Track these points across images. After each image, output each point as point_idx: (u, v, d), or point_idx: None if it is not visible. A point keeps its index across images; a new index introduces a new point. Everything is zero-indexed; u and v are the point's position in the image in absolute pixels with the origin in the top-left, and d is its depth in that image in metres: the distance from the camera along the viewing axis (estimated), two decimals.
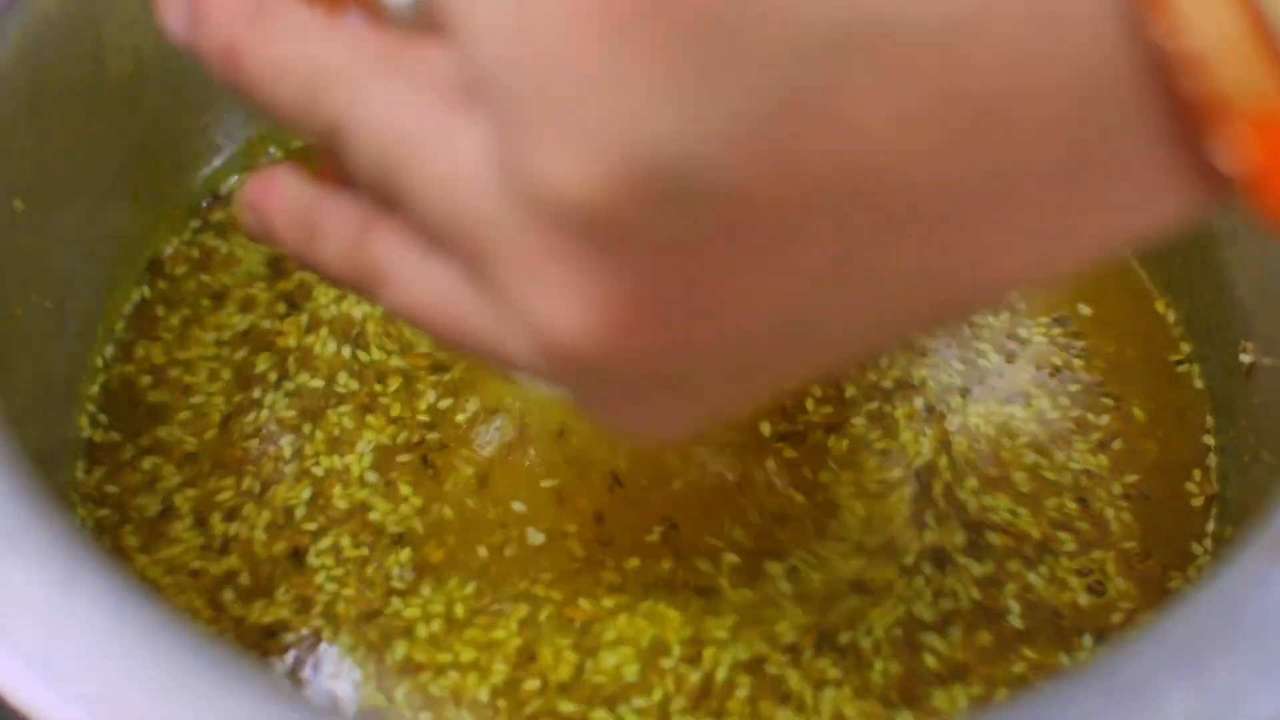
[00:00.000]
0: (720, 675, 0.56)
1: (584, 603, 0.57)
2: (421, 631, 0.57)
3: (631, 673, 0.56)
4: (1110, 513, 0.61)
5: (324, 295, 0.65)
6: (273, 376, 0.63)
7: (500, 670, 0.56)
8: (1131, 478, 0.62)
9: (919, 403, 0.63)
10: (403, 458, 0.60)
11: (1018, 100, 0.28)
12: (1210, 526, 0.61)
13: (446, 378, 0.62)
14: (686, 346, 0.32)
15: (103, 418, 0.63)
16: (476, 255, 0.32)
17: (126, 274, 0.67)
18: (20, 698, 0.42)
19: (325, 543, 0.59)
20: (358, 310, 0.64)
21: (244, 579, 0.58)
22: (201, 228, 0.69)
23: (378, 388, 0.62)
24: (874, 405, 0.63)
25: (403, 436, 0.61)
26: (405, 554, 0.58)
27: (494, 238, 0.31)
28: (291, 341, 0.64)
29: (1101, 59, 0.28)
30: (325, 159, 0.38)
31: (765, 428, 0.61)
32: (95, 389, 0.64)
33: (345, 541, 0.59)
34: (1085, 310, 0.67)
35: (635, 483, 0.60)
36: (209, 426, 0.62)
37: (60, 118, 0.61)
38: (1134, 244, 0.33)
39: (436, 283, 0.35)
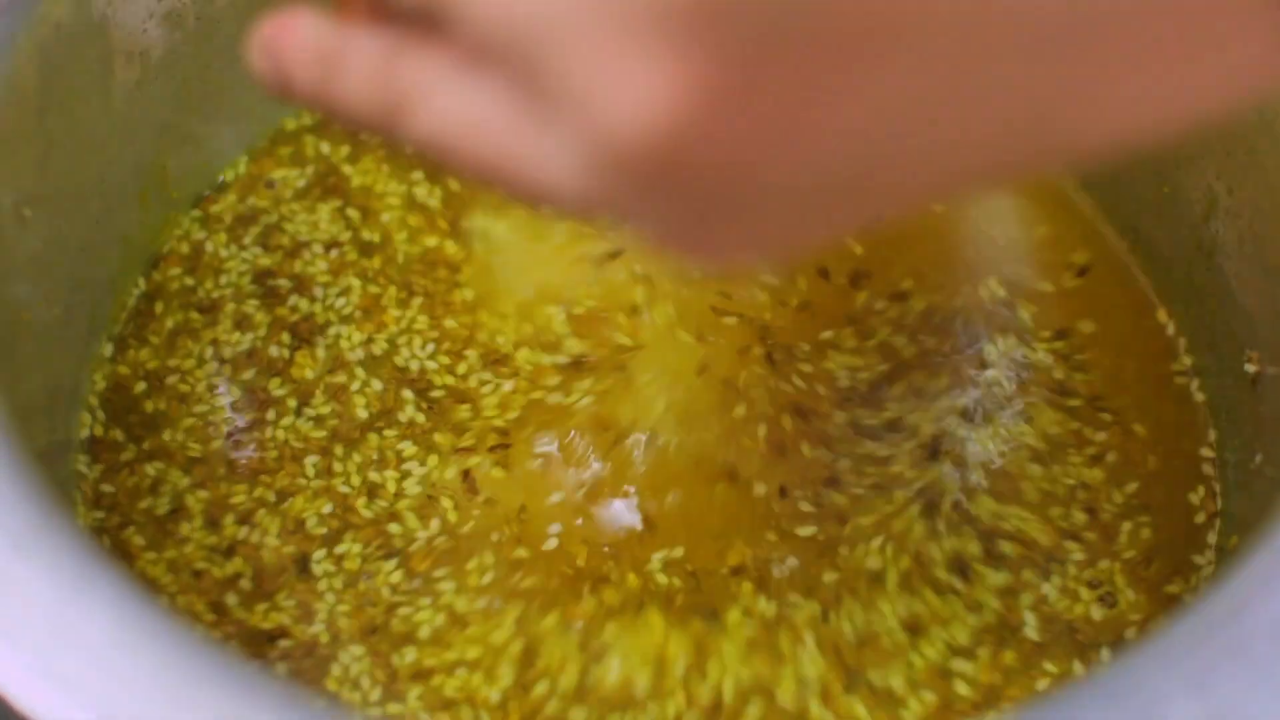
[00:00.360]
0: (728, 695, 0.56)
1: (586, 604, 0.58)
2: (425, 632, 0.57)
3: (642, 685, 0.56)
4: (1113, 522, 0.61)
5: (347, 340, 0.64)
6: (291, 403, 0.63)
7: (506, 674, 0.56)
8: (1132, 486, 0.62)
9: (924, 423, 0.63)
10: (449, 473, 0.61)
11: None
12: (1212, 538, 0.61)
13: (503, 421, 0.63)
14: (766, 157, 0.29)
15: (102, 415, 0.63)
16: (534, 57, 0.30)
17: (130, 274, 0.67)
18: (26, 702, 0.42)
19: (338, 549, 0.59)
20: (403, 355, 0.65)
21: (246, 583, 0.59)
22: (198, 218, 0.69)
23: (419, 419, 0.63)
24: (879, 420, 0.63)
25: (453, 460, 0.61)
26: (412, 563, 0.59)
27: (561, 28, 0.29)
28: (309, 374, 0.64)
29: None
30: None
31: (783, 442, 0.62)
32: (98, 388, 0.64)
33: (355, 549, 0.59)
34: (1086, 326, 0.67)
35: (659, 515, 0.60)
36: (215, 437, 0.62)
37: (69, 123, 0.61)
38: (1238, 103, 0.31)
39: (473, 103, 0.32)
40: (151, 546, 0.60)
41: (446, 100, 0.33)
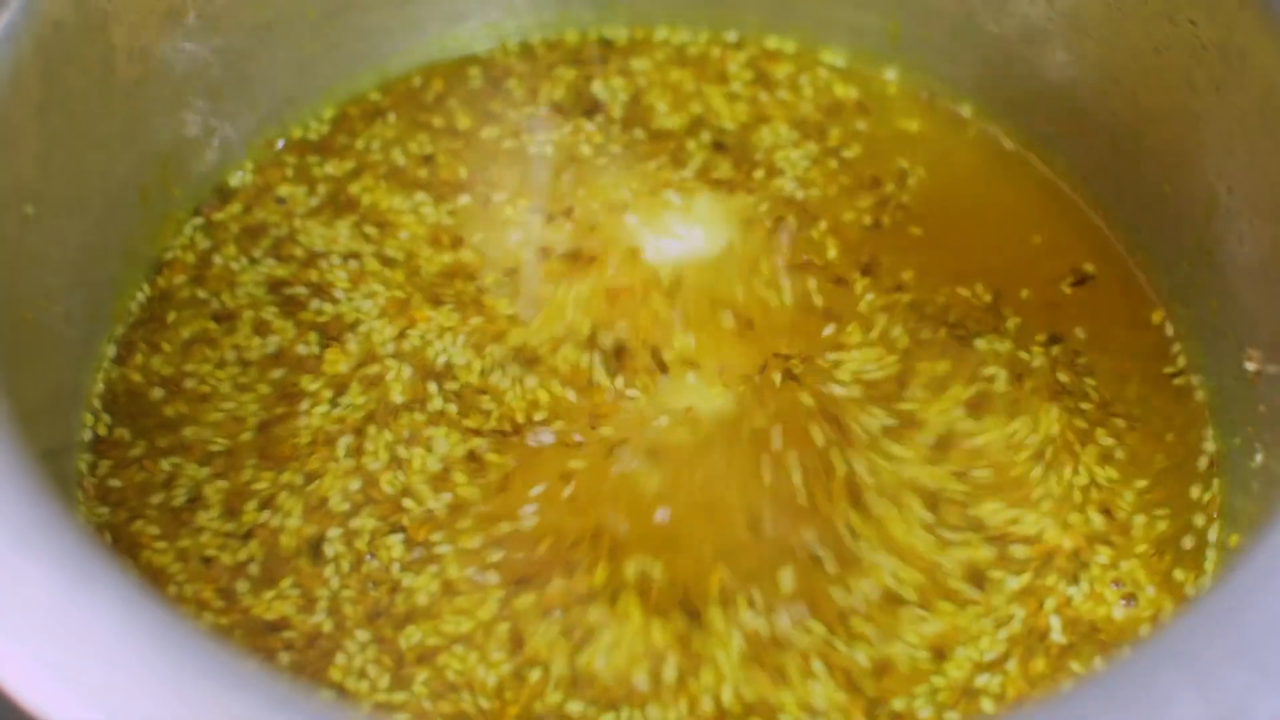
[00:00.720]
0: (727, 701, 0.57)
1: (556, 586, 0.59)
2: (422, 599, 0.58)
3: (640, 682, 0.57)
4: (1126, 519, 0.62)
5: (379, 335, 0.66)
6: (326, 394, 0.64)
7: (500, 659, 0.57)
8: (1141, 483, 0.63)
9: (923, 434, 0.64)
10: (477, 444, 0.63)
11: None
12: (1213, 535, 0.62)
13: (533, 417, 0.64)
14: None
15: (106, 416, 0.63)
16: None
17: (134, 275, 0.67)
18: (30, 697, 0.42)
19: (353, 523, 0.60)
20: (433, 348, 0.66)
21: (255, 568, 0.59)
22: (201, 226, 0.70)
23: (450, 408, 0.64)
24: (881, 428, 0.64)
25: (475, 442, 0.63)
26: (413, 533, 0.60)
27: None
28: (342, 368, 0.65)
29: None
30: None
31: (797, 477, 0.62)
32: (100, 388, 0.64)
33: (369, 524, 0.60)
34: (1087, 325, 0.67)
35: (675, 527, 0.61)
36: (244, 430, 0.63)
37: (70, 121, 0.61)
38: None
39: None
40: (163, 537, 0.60)
41: None
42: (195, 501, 0.61)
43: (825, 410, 0.64)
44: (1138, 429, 0.64)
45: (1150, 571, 0.60)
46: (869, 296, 0.68)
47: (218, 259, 0.69)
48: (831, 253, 0.69)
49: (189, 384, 0.65)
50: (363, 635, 0.58)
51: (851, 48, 0.77)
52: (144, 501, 0.61)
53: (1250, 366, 0.62)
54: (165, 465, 0.62)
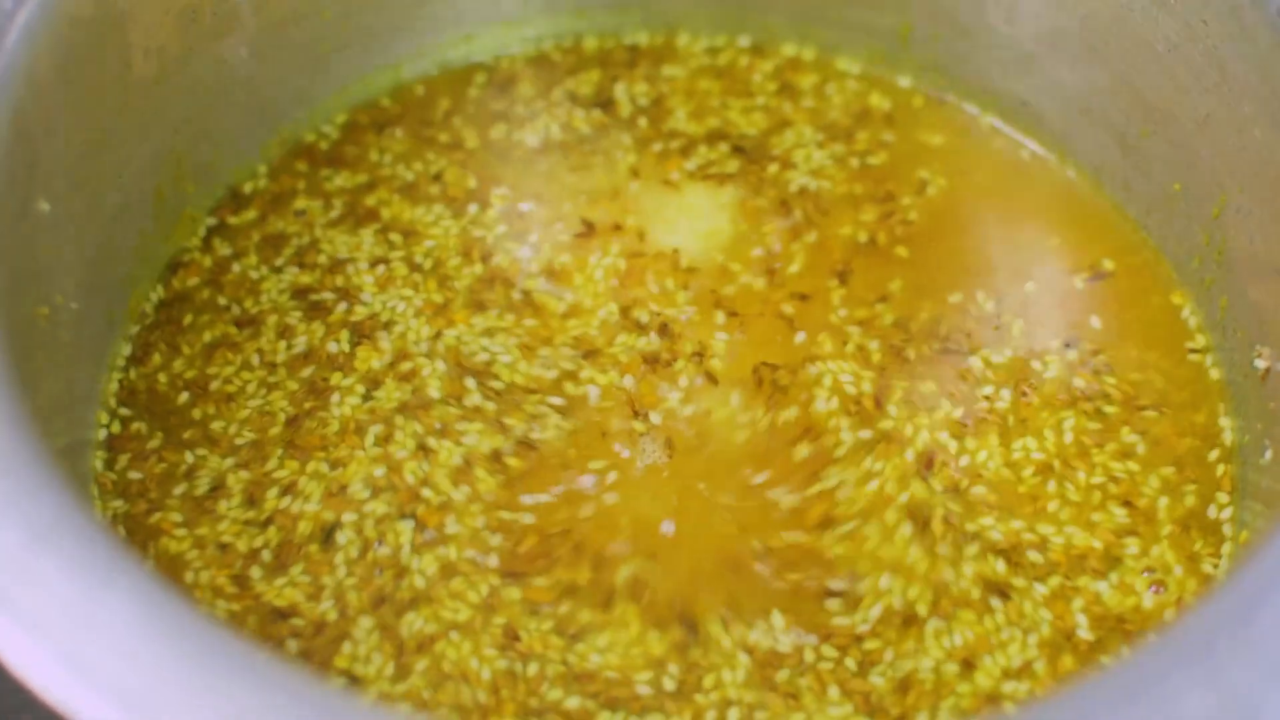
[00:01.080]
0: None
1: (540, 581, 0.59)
2: (420, 582, 0.59)
3: (641, 685, 0.57)
4: (1150, 505, 0.62)
5: (414, 333, 0.66)
6: (360, 388, 0.65)
7: (492, 652, 0.57)
8: (1167, 469, 0.63)
9: (921, 441, 0.64)
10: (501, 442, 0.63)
11: None
12: (1228, 529, 0.62)
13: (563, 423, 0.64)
14: None
15: (124, 411, 0.64)
16: None
17: (148, 274, 0.68)
18: (50, 690, 0.42)
19: (367, 508, 0.61)
20: (469, 347, 0.66)
21: (267, 555, 0.60)
22: (216, 227, 0.70)
23: (487, 406, 0.64)
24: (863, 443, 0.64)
25: (499, 440, 0.63)
26: (424, 518, 0.61)
27: None
28: (374, 364, 0.65)
29: None
30: None
31: (781, 496, 0.62)
32: (115, 386, 0.65)
33: (380, 509, 0.61)
34: (1103, 324, 0.67)
35: (678, 543, 0.61)
36: (274, 424, 0.64)
37: (86, 119, 0.61)
38: None
39: None
40: (184, 524, 0.61)
41: None
42: (217, 490, 0.62)
43: (807, 425, 0.64)
44: (1167, 415, 0.64)
45: (1178, 551, 0.60)
46: (843, 310, 0.68)
47: (236, 267, 0.69)
48: (820, 262, 0.70)
49: (214, 385, 0.65)
50: (366, 622, 0.58)
51: (868, 49, 0.77)
52: (166, 491, 0.62)
53: (1260, 364, 0.62)
54: (189, 457, 0.62)
